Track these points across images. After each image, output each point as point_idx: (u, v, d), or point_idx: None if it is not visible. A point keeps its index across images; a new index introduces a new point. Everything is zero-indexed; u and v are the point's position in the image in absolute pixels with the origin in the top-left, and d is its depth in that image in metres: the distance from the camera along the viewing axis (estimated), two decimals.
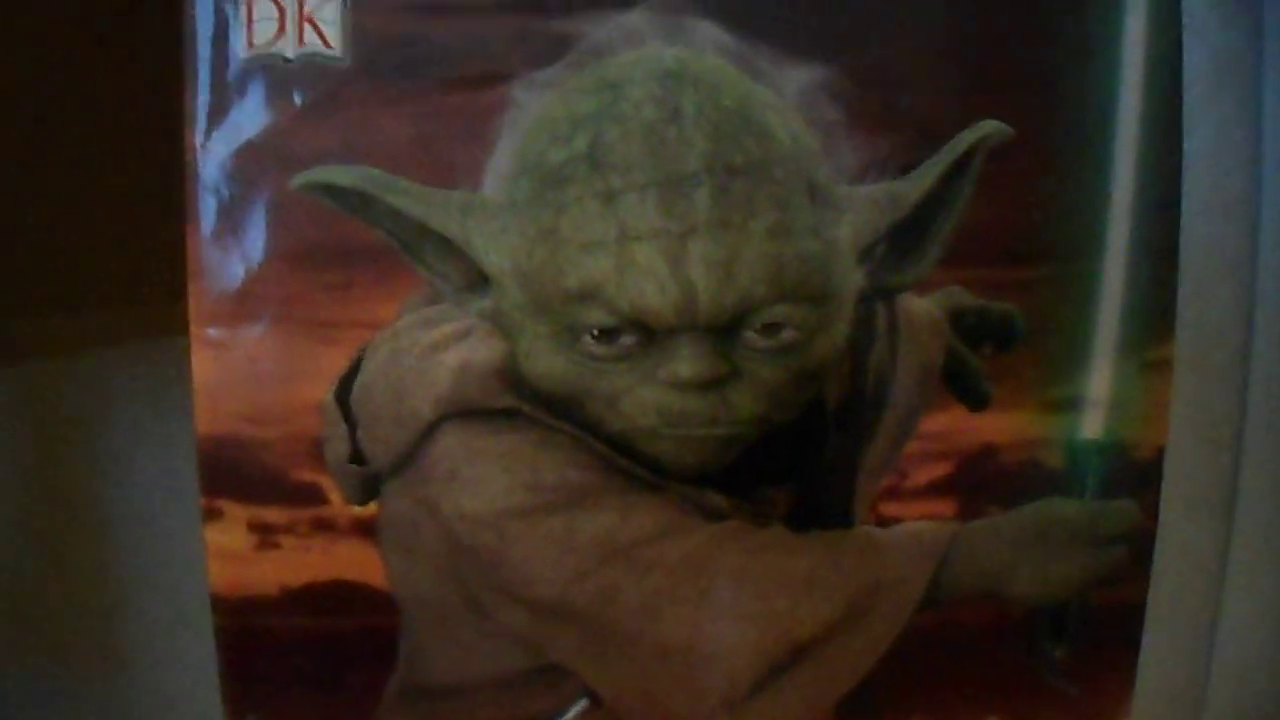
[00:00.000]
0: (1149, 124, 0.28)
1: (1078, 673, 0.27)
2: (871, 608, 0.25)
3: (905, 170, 0.26)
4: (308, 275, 0.26)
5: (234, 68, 0.27)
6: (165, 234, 0.28)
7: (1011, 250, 0.27)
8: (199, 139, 0.27)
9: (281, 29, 0.27)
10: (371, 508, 0.26)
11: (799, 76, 0.26)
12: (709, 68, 0.25)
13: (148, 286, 0.36)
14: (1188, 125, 0.44)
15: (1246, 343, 0.49)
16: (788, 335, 0.24)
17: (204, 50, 0.27)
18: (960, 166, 0.25)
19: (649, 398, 0.24)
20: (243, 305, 0.26)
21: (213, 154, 0.26)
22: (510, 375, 0.24)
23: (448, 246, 0.24)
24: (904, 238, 0.25)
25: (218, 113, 0.26)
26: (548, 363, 0.24)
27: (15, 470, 0.48)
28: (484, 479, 0.24)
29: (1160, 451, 0.27)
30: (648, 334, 0.24)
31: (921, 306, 0.26)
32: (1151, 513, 0.28)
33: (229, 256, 0.26)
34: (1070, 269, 0.27)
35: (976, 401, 0.27)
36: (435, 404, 0.25)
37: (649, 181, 0.23)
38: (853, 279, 0.25)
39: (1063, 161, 0.27)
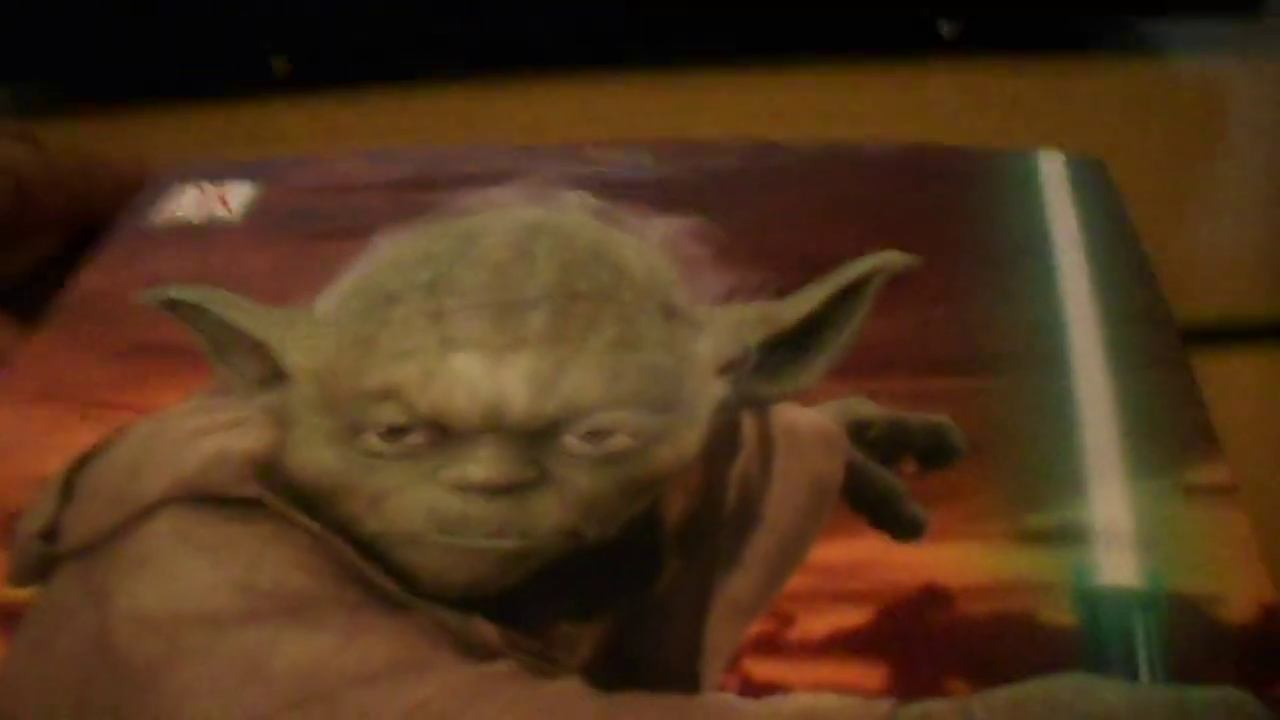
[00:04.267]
0: (1095, 238, 0.26)
1: None
2: None
3: (781, 294, 0.23)
4: (111, 367, 0.25)
5: (144, 230, 0.28)
6: None
7: (942, 360, 0.23)
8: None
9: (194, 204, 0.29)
10: (24, 595, 0.20)
11: (664, 225, 0.26)
12: (568, 220, 0.25)
13: None
14: None
15: None
16: (618, 441, 0.20)
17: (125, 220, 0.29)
18: (851, 291, 0.22)
19: (422, 498, 0.20)
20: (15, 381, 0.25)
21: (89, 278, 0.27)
22: (268, 464, 0.21)
23: (259, 350, 0.22)
24: (783, 353, 0.22)
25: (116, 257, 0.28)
26: (317, 454, 0.21)
27: None
28: (183, 573, 0.20)
29: (1270, 611, 0.18)
30: (442, 433, 0.20)
31: (808, 417, 0.22)
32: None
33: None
34: (1025, 380, 0.22)
35: (901, 528, 0.20)
36: (170, 485, 0.21)
37: (484, 303, 0.22)
38: (711, 389, 0.21)
39: (991, 282, 0.25)
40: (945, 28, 0.44)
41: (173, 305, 0.24)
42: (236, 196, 0.29)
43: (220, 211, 0.28)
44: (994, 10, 0.43)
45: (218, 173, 0.30)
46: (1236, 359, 0.28)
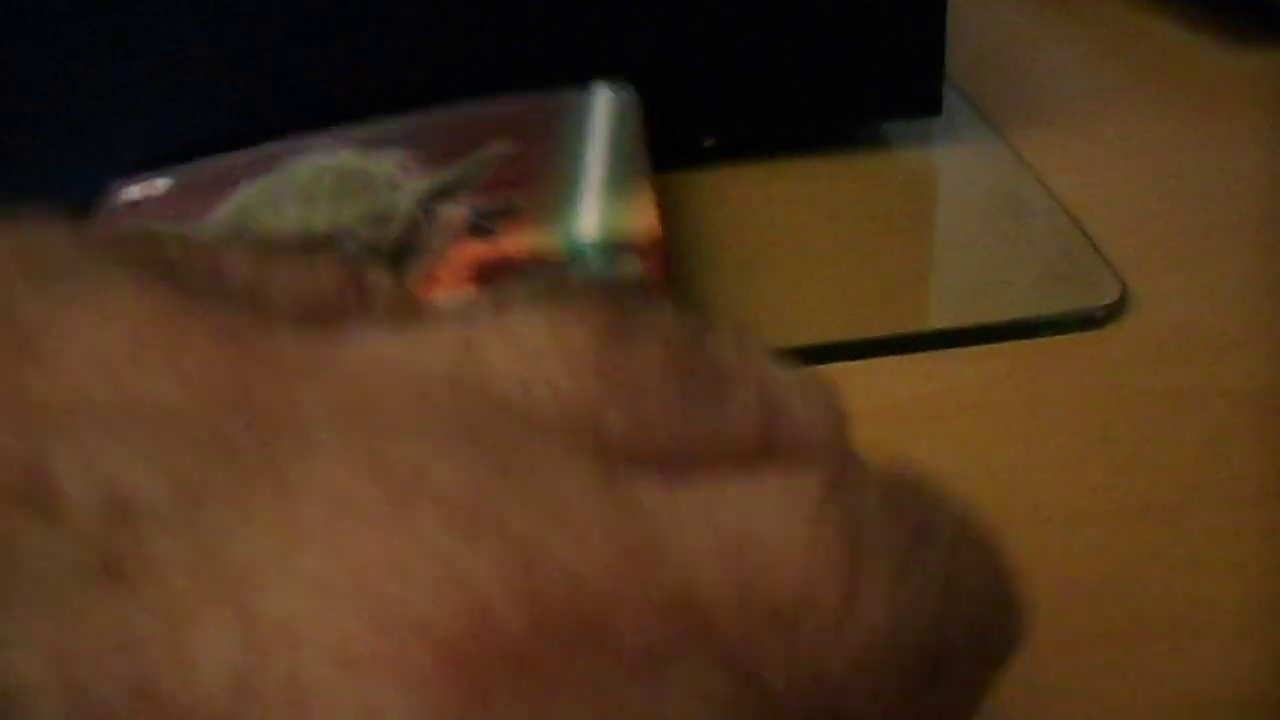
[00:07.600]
0: (614, 126, 0.48)
1: None
2: None
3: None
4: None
5: (109, 208, 0.49)
6: None
7: (517, 181, 0.44)
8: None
9: (135, 192, 0.50)
10: None
11: (392, 153, 0.48)
12: (342, 160, 0.48)
13: None
14: None
15: None
16: (364, 234, 0.42)
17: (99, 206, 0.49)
18: (479, 163, 0.45)
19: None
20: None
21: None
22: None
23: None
24: (446, 189, 0.44)
25: None
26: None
27: None
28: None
29: (654, 236, 0.40)
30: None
31: (455, 207, 0.43)
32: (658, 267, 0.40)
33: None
34: (562, 180, 0.44)
35: (486, 235, 0.41)
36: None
37: (299, 199, 0.44)
38: (408, 208, 0.43)
39: (553, 152, 0.47)
40: (707, 141, 0.56)
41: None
42: (160, 185, 0.50)
43: (151, 193, 0.49)
44: (748, 124, 0.56)
45: (149, 176, 0.51)
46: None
